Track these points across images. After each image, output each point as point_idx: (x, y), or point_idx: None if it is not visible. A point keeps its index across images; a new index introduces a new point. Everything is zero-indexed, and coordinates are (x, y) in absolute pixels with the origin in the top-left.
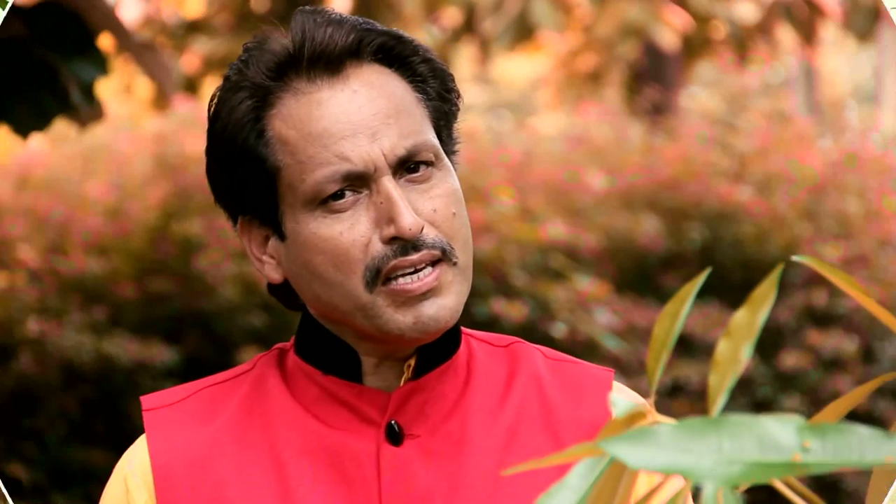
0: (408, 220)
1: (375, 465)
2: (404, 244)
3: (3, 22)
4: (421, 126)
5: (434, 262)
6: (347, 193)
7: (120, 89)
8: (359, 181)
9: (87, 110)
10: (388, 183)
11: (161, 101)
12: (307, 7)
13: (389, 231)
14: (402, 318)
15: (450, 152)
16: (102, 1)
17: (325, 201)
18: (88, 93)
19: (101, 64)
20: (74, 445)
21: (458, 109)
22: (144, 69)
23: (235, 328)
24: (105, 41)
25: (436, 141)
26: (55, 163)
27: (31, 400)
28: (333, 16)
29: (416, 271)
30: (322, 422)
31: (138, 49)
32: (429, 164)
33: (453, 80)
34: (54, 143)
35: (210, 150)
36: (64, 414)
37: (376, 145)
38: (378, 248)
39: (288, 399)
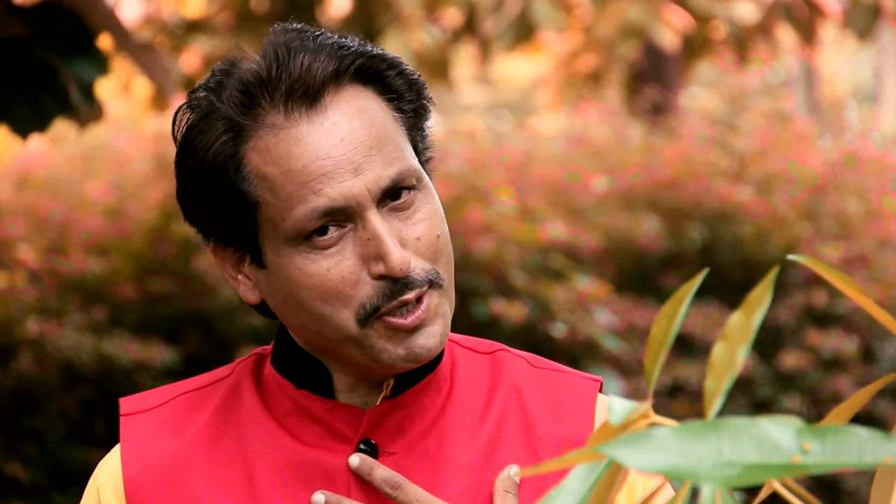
0: (396, 259)
1: (346, 483)
2: (394, 281)
3: (3, 22)
4: (402, 150)
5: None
6: (331, 229)
7: (119, 89)
8: (342, 215)
9: (86, 110)
10: (374, 218)
11: (160, 100)
12: (279, 26)
13: (378, 269)
14: (393, 350)
15: (425, 160)
16: (102, 1)
17: (309, 237)
18: (88, 93)
19: (100, 64)
20: (74, 445)
21: (430, 112)
22: (143, 69)
23: (235, 328)
24: (105, 41)
25: (415, 161)
26: (55, 163)
27: (31, 400)
28: (307, 40)
29: (405, 304)
30: (294, 437)
31: (137, 49)
32: (411, 188)
33: (426, 88)
34: (54, 143)
35: (183, 179)
36: (64, 414)
37: (359, 180)
38: (368, 287)
39: (261, 411)
